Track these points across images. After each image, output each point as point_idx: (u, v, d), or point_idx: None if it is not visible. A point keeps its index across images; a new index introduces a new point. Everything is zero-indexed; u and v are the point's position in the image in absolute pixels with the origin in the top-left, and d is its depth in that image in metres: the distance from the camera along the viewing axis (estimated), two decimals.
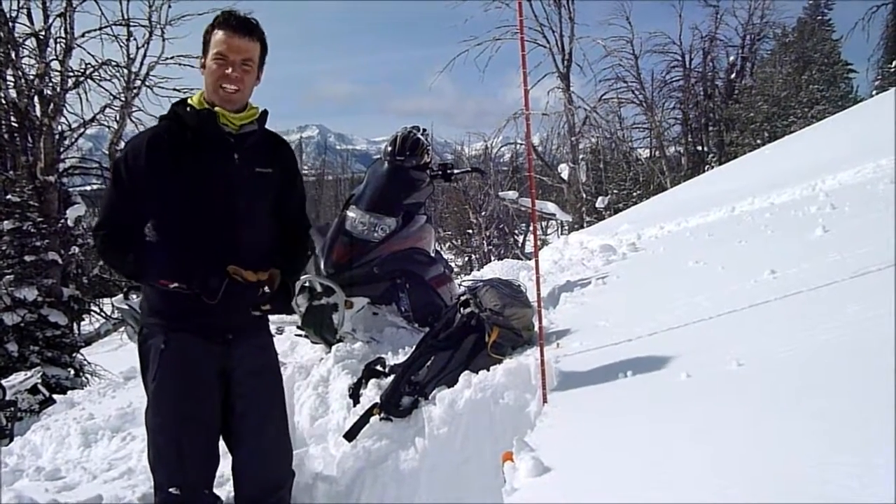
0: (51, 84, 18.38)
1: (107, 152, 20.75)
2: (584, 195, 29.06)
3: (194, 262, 2.57)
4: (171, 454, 2.65)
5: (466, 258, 32.36)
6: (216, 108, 2.62)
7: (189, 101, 2.69)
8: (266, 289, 2.64)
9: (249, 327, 2.81)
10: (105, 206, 2.69)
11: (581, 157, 30.70)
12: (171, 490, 2.62)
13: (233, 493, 2.89)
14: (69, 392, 8.63)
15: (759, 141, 27.71)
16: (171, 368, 2.64)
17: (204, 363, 2.67)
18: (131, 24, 19.71)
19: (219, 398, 2.70)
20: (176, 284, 2.51)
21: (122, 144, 20.83)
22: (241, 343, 2.75)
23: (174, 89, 20.33)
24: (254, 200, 2.73)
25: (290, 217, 2.92)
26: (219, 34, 2.60)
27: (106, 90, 19.60)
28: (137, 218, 2.65)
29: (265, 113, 2.77)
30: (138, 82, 20.07)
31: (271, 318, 3.16)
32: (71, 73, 18.74)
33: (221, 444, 2.80)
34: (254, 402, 2.78)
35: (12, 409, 10.01)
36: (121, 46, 19.85)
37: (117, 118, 20.01)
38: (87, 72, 19.00)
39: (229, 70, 2.59)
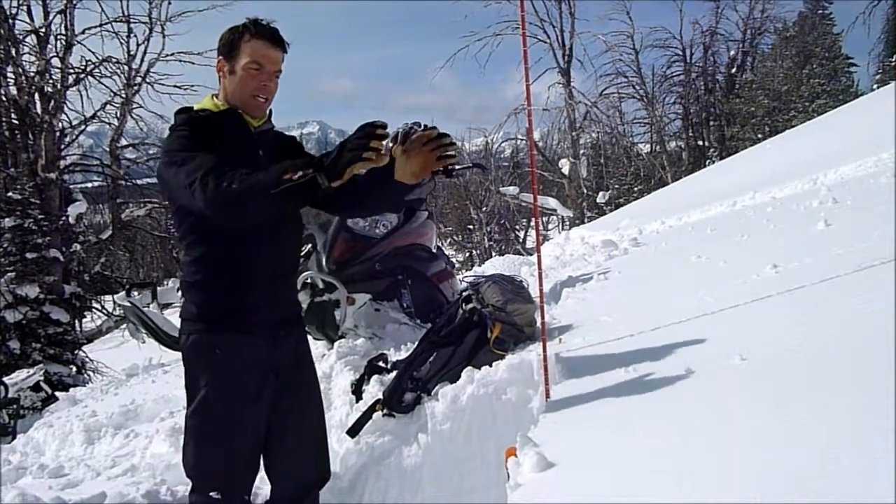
0: (51, 81, 18.41)
1: (108, 149, 20.76)
2: (585, 190, 29.11)
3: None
4: (218, 460, 2.65)
5: (467, 254, 32.43)
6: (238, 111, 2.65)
7: (197, 106, 2.70)
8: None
9: (293, 323, 2.84)
10: (194, 163, 2.36)
11: (582, 152, 30.73)
12: (211, 494, 2.62)
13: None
14: (71, 389, 8.65)
15: (759, 135, 27.72)
16: (223, 374, 2.62)
17: (255, 367, 2.65)
18: (132, 20, 19.77)
19: (269, 402, 2.70)
20: (301, 173, 2.21)
21: (123, 141, 20.96)
22: (286, 340, 2.76)
23: (174, 86, 20.40)
24: None
25: None
26: (255, 43, 2.58)
27: (106, 87, 19.68)
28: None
29: (270, 112, 2.78)
30: (139, 79, 20.12)
31: None
32: (71, 70, 18.78)
33: None
34: (296, 399, 2.79)
35: (15, 406, 10.05)
36: (121, 43, 19.93)
37: (118, 115, 20.06)
38: (88, 69, 19.04)
39: (266, 81, 2.61)
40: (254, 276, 2.64)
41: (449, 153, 2.49)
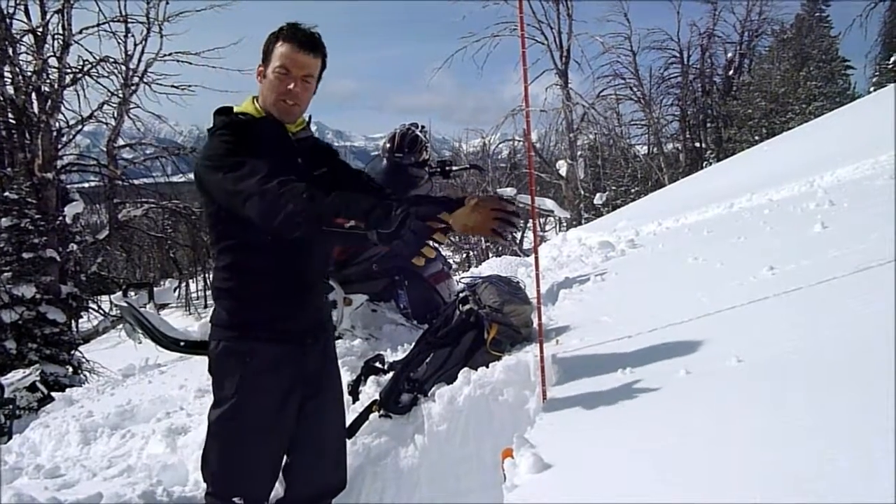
0: (48, 81, 18.40)
1: (105, 149, 20.74)
2: (583, 192, 29.10)
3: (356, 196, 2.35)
4: (244, 466, 2.65)
5: (464, 255, 32.37)
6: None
7: (238, 108, 2.69)
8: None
9: (321, 328, 2.84)
10: (244, 169, 2.36)
11: (579, 153, 30.73)
12: (235, 500, 2.61)
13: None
14: (68, 390, 8.63)
15: (756, 137, 27.73)
16: (252, 381, 2.61)
17: (283, 374, 2.65)
18: (129, 20, 19.76)
19: (297, 410, 2.70)
20: (352, 224, 2.22)
21: (120, 141, 20.94)
22: (315, 347, 2.76)
23: (172, 86, 20.41)
24: None
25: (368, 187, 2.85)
26: (284, 47, 2.58)
27: (104, 87, 19.67)
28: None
29: (310, 118, 2.79)
30: (136, 79, 20.11)
31: None
32: (69, 70, 18.76)
33: None
34: (320, 404, 2.79)
35: (11, 406, 10.01)
36: (119, 43, 19.93)
37: (115, 115, 20.05)
38: (85, 68, 19.02)
39: (291, 85, 2.59)
40: (285, 285, 2.65)
41: (509, 226, 2.50)
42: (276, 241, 2.52)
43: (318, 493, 2.86)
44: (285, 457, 2.79)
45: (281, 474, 2.83)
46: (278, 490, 2.87)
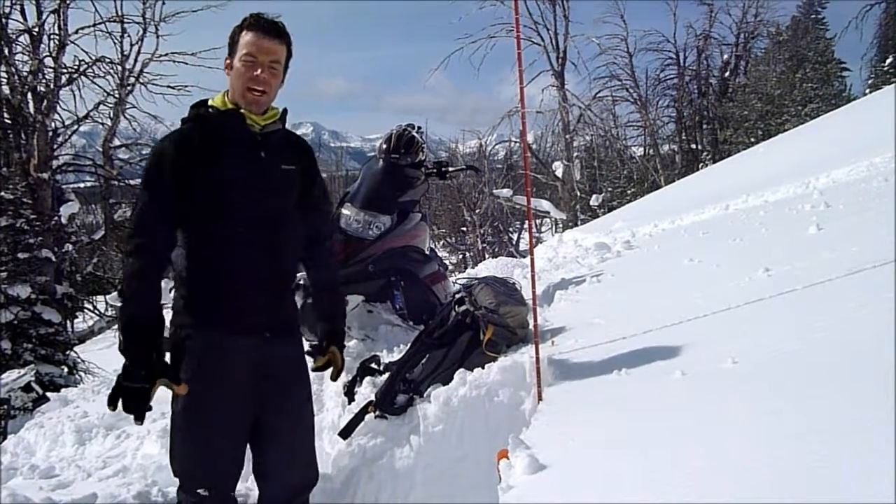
0: (44, 80, 18.34)
1: (101, 149, 20.69)
2: (579, 193, 29.11)
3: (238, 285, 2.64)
4: (204, 456, 2.65)
5: (461, 256, 32.39)
6: (241, 110, 2.64)
7: (210, 101, 2.70)
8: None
9: (286, 325, 2.83)
10: (138, 214, 2.61)
11: (575, 154, 30.73)
12: (199, 491, 2.62)
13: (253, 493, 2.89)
14: (63, 390, 8.59)
15: (752, 139, 27.77)
16: (210, 369, 2.61)
17: (242, 363, 2.65)
18: (125, 20, 19.68)
19: (254, 399, 2.69)
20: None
21: (116, 141, 20.90)
22: (277, 341, 2.74)
23: (168, 86, 20.33)
24: (283, 196, 2.74)
25: (313, 219, 2.91)
26: (248, 35, 2.60)
27: (100, 87, 19.56)
28: (170, 230, 2.61)
29: (285, 111, 2.78)
30: (132, 79, 20.04)
31: None
32: (64, 70, 18.70)
33: None
34: (288, 402, 2.78)
35: (6, 406, 10.00)
36: (115, 43, 19.85)
37: (111, 115, 19.99)
38: (81, 68, 18.95)
39: (258, 71, 2.59)
40: (245, 279, 2.64)
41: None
42: (235, 237, 2.59)
43: (292, 491, 2.85)
44: (259, 457, 2.79)
45: (255, 474, 2.84)
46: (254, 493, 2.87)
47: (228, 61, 2.66)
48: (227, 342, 2.63)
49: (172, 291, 2.78)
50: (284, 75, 2.73)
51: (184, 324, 2.65)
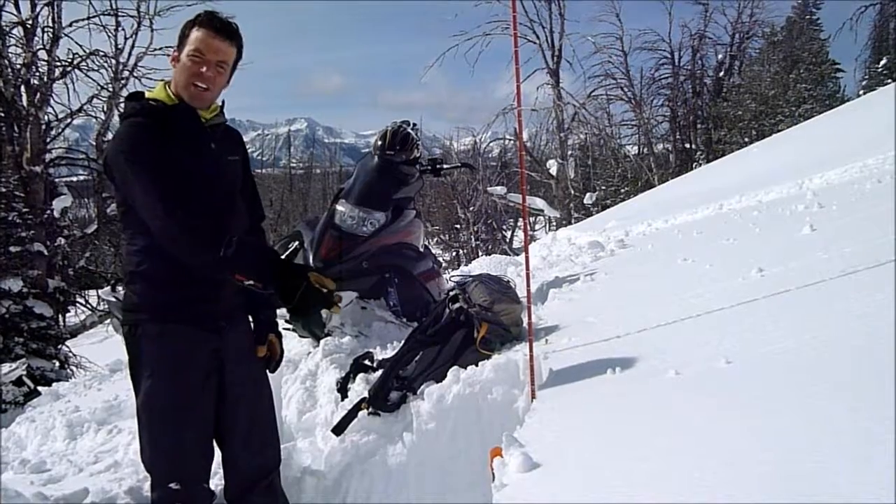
0: (38, 74, 18.21)
1: (94, 143, 20.59)
2: (573, 191, 29.17)
3: (260, 260, 2.57)
4: (171, 449, 2.65)
5: (454, 253, 32.39)
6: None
7: (149, 94, 2.71)
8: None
9: (238, 314, 2.85)
10: (157, 188, 2.49)
11: (569, 153, 30.80)
12: (171, 485, 2.61)
13: (222, 485, 2.90)
14: (54, 384, 8.56)
15: (746, 139, 27.82)
16: (168, 362, 2.62)
17: (200, 355, 2.66)
18: (120, 14, 19.55)
19: (215, 389, 2.70)
20: (252, 282, 2.49)
21: (109, 135, 20.79)
22: (231, 329, 2.77)
23: (162, 80, 20.18)
24: (233, 186, 2.82)
25: (253, 207, 2.99)
26: (199, 32, 2.62)
27: (93, 80, 19.44)
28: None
29: (223, 104, 2.81)
30: (126, 73, 19.93)
31: None
32: (58, 63, 18.58)
33: None
34: (245, 388, 2.80)
35: None
36: (109, 37, 19.71)
37: (105, 109, 19.85)
38: (75, 62, 18.83)
39: (204, 69, 2.61)
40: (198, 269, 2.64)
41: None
42: (199, 227, 2.56)
43: (255, 475, 2.85)
44: (222, 444, 2.80)
45: (221, 462, 2.84)
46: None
47: (176, 54, 2.67)
48: (186, 334, 2.65)
49: (121, 288, 2.78)
50: (231, 76, 2.76)
51: (140, 319, 2.66)
